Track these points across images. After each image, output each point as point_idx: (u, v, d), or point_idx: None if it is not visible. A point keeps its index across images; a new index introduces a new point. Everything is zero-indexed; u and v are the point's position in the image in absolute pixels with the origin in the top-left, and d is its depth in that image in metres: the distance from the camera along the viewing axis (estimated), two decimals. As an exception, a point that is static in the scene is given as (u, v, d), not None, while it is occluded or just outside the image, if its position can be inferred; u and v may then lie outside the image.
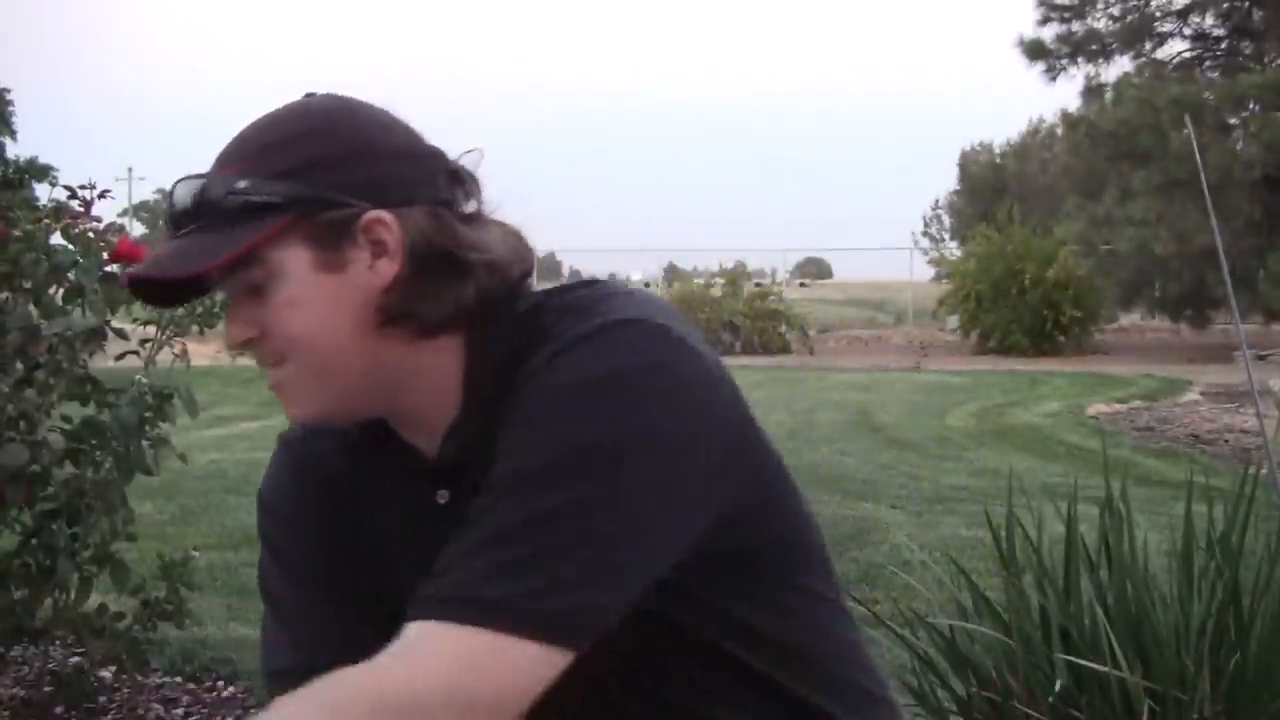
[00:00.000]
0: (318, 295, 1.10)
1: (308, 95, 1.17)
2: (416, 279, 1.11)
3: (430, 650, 0.99)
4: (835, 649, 1.23)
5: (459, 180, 1.15)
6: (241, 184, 1.09)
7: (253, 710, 3.11)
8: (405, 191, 1.12)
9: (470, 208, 1.15)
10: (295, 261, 1.10)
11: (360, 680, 0.98)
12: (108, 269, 2.68)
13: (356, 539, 1.24)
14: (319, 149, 1.11)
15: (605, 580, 1.02)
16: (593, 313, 1.10)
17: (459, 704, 0.97)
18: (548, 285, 1.20)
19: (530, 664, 0.99)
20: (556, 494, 1.02)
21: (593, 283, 1.18)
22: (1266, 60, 19.58)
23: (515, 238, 1.18)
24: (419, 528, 1.17)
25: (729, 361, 1.37)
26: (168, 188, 1.13)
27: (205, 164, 1.14)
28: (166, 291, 1.18)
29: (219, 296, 2.72)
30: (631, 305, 1.12)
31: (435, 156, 1.15)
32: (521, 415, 1.06)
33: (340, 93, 1.18)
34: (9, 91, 3.12)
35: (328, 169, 1.10)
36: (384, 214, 1.10)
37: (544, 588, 0.99)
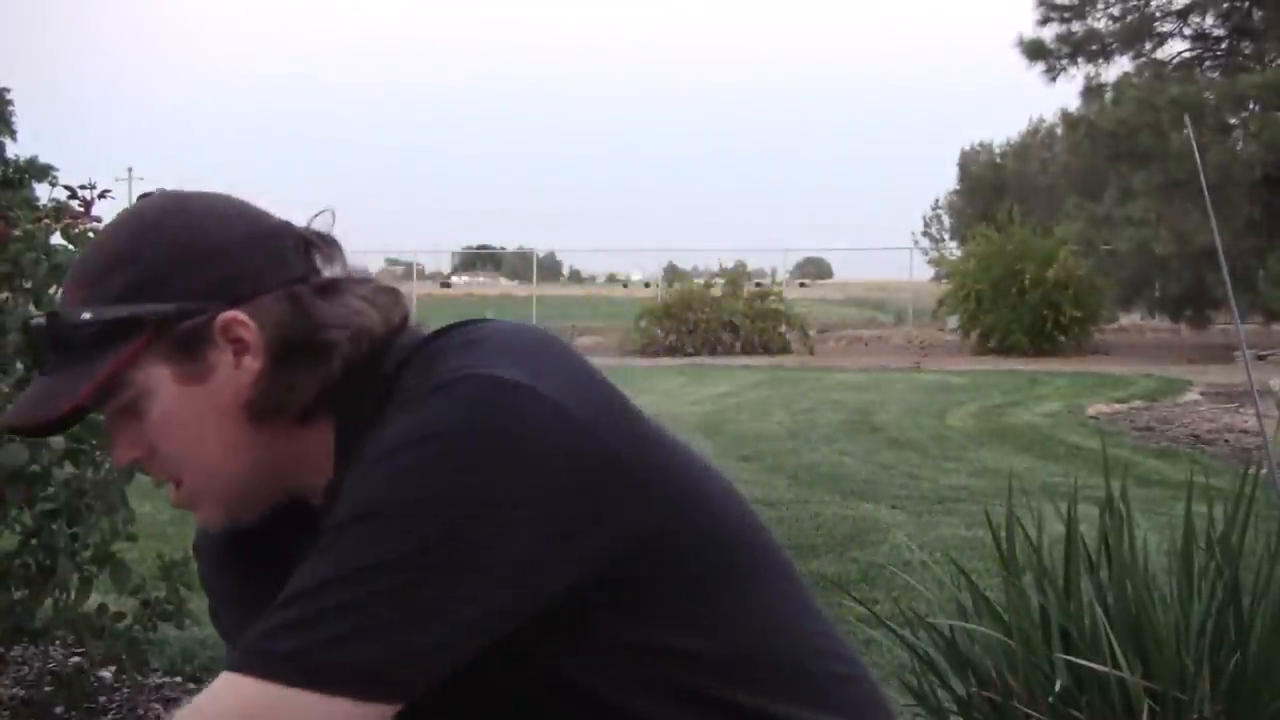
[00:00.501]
0: (188, 407, 1.10)
1: (142, 197, 1.17)
2: (280, 370, 1.10)
3: (216, 699, 1.01)
4: (796, 642, 1.18)
5: (313, 248, 1.13)
6: (85, 315, 1.08)
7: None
8: (255, 282, 1.10)
9: (331, 272, 1.13)
10: (158, 379, 1.09)
11: None
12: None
13: (283, 578, 1.20)
14: (157, 260, 1.09)
15: (399, 636, 0.99)
16: (443, 366, 1.07)
17: None
18: (430, 329, 1.16)
19: (313, 716, 0.98)
20: (357, 550, 1.00)
21: (462, 325, 1.14)
22: (1266, 60, 19.57)
23: (383, 293, 1.15)
24: None
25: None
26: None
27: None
28: (48, 427, 1.17)
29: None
30: (484, 355, 1.07)
31: (280, 233, 1.13)
32: (348, 478, 1.06)
33: (171, 189, 1.17)
34: (9, 91, 3.13)
35: (169, 279, 1.09)
36: (238, 313, 1.08)
37: (332, 640, 0.98)
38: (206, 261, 1.09)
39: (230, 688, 1.00)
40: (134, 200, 1.22)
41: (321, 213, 1.16)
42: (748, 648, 1.14)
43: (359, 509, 1.01)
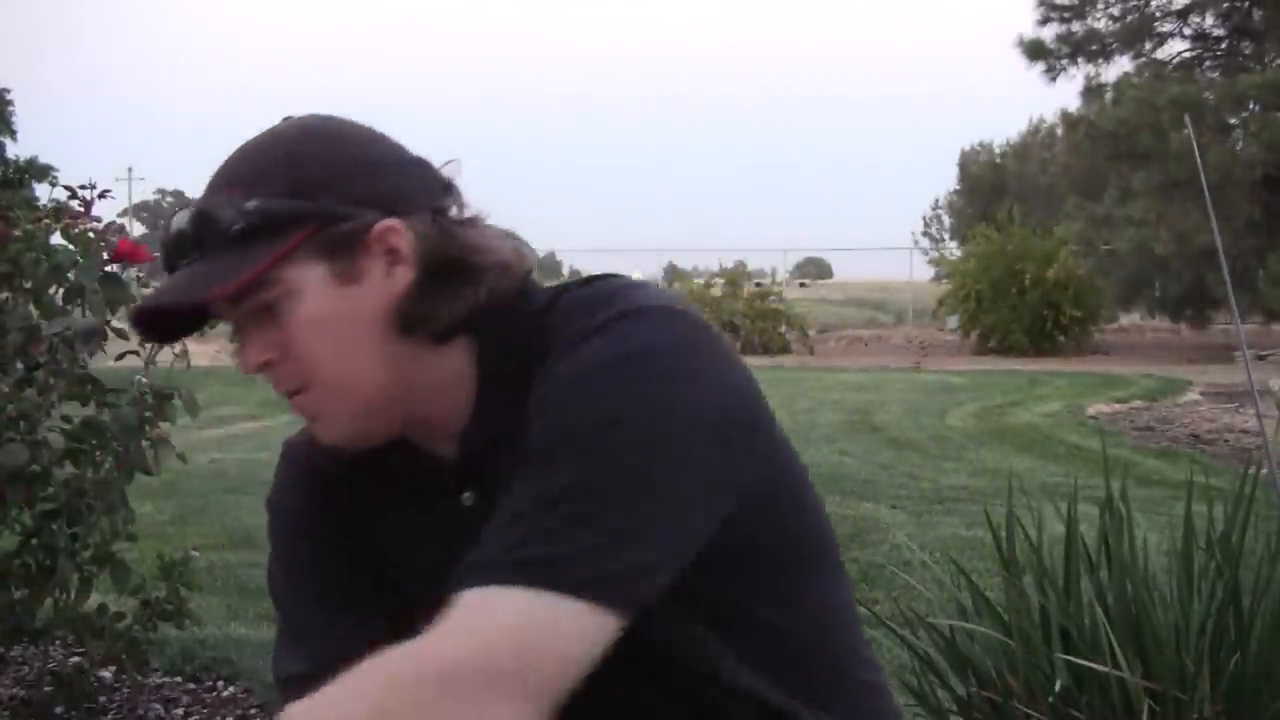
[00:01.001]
0: (338, 309, 1.09)
1: (286, 119, 1.17)
2: (430, 285, 1.11)
3: (489, 614, 0.94)
4: (842, 643, 1.23)
5: (449, 188, 1.16)
6: (250, 204, 1.08)
7: (254, 711, 3.11)
8: (407, 200, 1.11)
9: (464, 214, 1.15)
10: (311, 278, 1.08)
11: (420, 652, 0.93)
12: (108, 269, 2.67)
13: (366, 548, 1.23)
14: (318, 164, 1.11)
15: (644, 546, 0.99)
16: (610, 304, 1.10)
17: (525, 666, 0.92)
18: (554, 283, 1.20)
19: (585, 627, 0.95)
20: (588, 464, 1.00)
21: (604, 278, 1.17)
22: (1266, 60, 19.58)
23: (513, 239, 1.19)
24: (443, 531, 1.16)
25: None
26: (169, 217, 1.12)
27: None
28: (171, 324, 1.18)
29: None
30: (648, 295, 1.11)
31: (426, 164, 1.16)
32: (546, 399, 1.05)
33: (317, 112, 1.17)
34: (9, 91, 3.14)
35: (330, 183, 1.10)
36: (395, 222, 1.10)
37: (588, 550, 0.96)
38: (365, 172, 1.11)
39: (499, 600, 0.95)
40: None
41: (450, 161, 1.18)
42: (805, 636, 1.18)
43: (577, 425, 1.01)
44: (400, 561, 1.22)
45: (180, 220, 1.11)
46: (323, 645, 1.20)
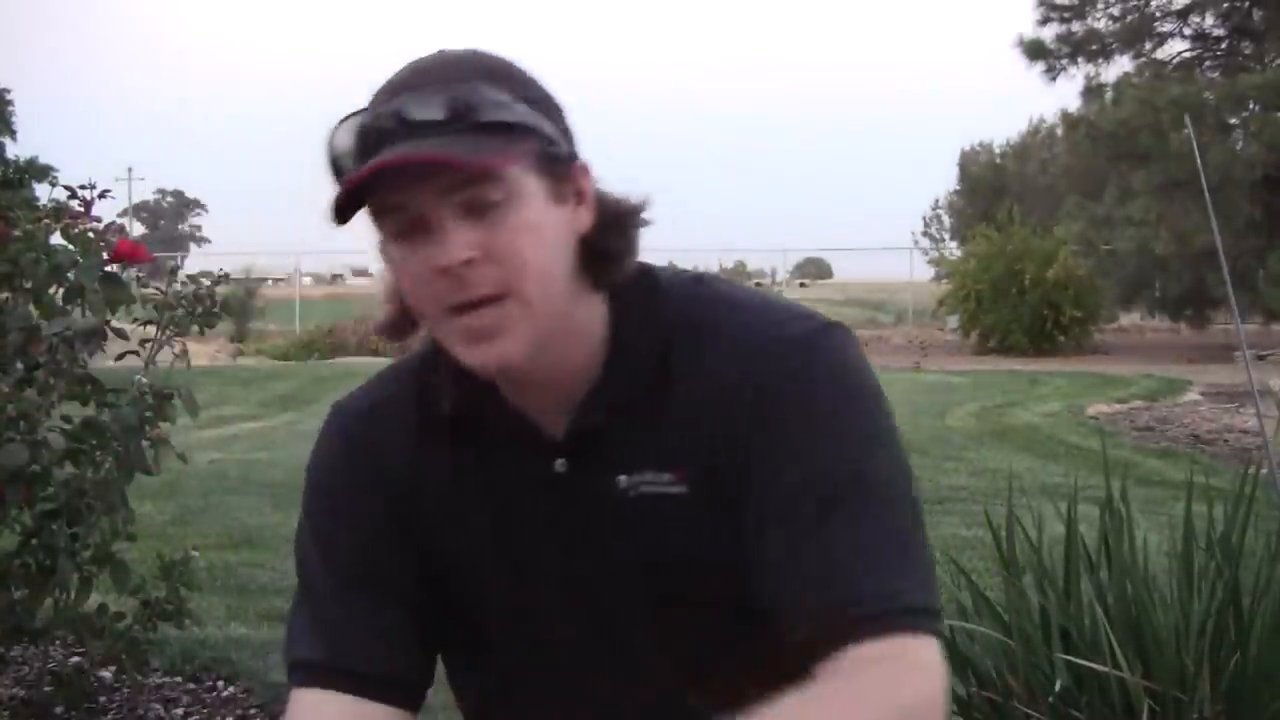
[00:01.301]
0: (553, 224, 1.09)
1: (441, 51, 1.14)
2: (605, 232, 1.13)
3: (916, 661, 1.04)
4: None
5: None
6: (504, 97, 1.07)
7: (253, 711, 3.12)
8: (578, 150, 1.14)
9: None
10: (533, 187, 1.07)
11: (870, 697, 1.02)
12: (108, 269, 2.67)
13: (413, 522, 1.21)
14: (539, 88, 1.12)
15: (933, 573, 1.12)
16: (768, 310, 1.16)
17: (938, 708, 1.04)
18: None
19: (937, 657, 1.07)
20: (897, 507, 1.11)
21: (707, 275, 1.23)
22: (1266, 60, 19.58)
23: None
24: (532, 496, 1.17)
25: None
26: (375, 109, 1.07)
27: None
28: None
29: (219, 293, 2.74)
30: (802, 307, 1.19)
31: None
32: (795, 422, 1.11)
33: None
34: (9, 92, 3.13)
35: (549, 108, 1.11)
36: (586, 163, 1.13)
37: (932, 591, 1.09)
38: (560, 108, 1.13)
39: (922, 649, 1.06)
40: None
41: None
42: None
43: (861, 471, 1.10)
44: (461, 526, 1.20)
45: (428, 98, 1.05)
46: (341, 634, 1.18)
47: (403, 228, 1.07)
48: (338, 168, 1.09)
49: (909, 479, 1.15)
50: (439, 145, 1.04)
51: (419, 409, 1.21)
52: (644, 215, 1.17)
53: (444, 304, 1.07)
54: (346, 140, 1.08)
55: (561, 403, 1.16)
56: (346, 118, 1.10)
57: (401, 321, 1.20)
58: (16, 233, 2.64)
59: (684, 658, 1.19)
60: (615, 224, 1.14)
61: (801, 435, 1.10)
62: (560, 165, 1.10)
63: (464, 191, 1.05)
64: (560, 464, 1.16)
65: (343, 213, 1.07)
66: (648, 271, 1.19)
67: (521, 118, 1.07)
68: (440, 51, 1.12)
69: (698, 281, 1.21)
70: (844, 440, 1.10)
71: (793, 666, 1.10)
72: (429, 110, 1.05)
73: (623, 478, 1.15)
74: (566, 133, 1.12)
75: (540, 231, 1.08)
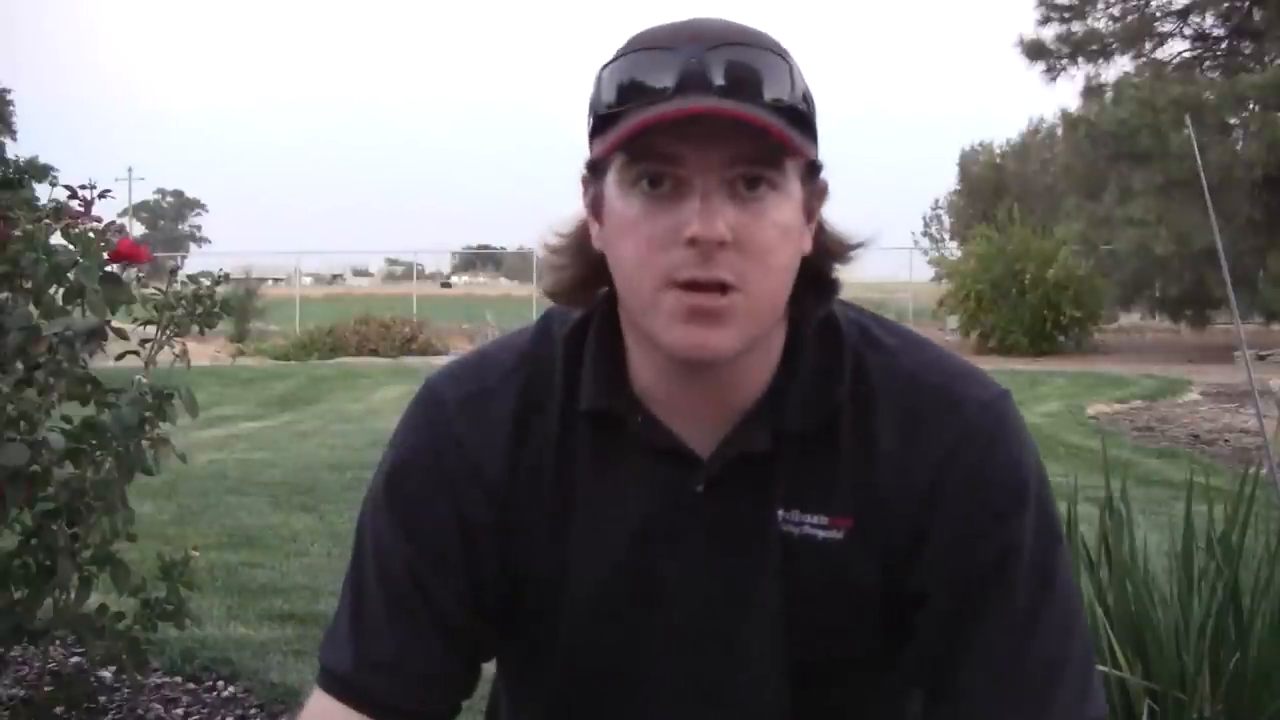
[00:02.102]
0: (797, 233, 1.06)
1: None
2: (823, 258, 1.11)
3: None
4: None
5: None
6: (806, 90, 1.05)
7: (254, 711, 3.12)
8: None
9: None
10: (796, 190, 1.04)
11: None
12: (108, 269, 2.67)
13: (494, 523, 1.14)
14: (811, 95, 1.07)
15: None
16: (945, 369, 1.14)
17: None
18: None
19: None
20: (1068, 612, 1.11)
21: (874, 317, 1.19)
22: (1266, 60, 19.57)
23: None
24: (662, 515, 1.11)
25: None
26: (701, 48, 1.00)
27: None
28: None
29: (219, 293, 2.74)
30: (962, 364, 1.16)
31: None
32: (975, 504, 1.09)
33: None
34: (9, 92, 3.14)
35: (815, 119, 1.07)
36: (826, 183, 1.09)
37: (1093, 694, 1.11)
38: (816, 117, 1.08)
39: None
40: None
41: None
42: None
43: (1037, 559, 1.09)
44: (563, 538, 1.14)
45: (771, 68, 1.01)
46: (375, 651, 1.13)
47: (655, 182, 1.00)
48: (628, 92, 1.01)
49: (1070, 568, 1.15)
50: (757, 112, 0.98)
51: (527, 401, 1.14)
52: (856, 252, 1.13)
53: (674, 275, 1.00)
54: (652, 71, 1.00)
55: (715, 420, 1.10)
56: (654, 48, 1.02)
57: (584, 282, 1.12)
58: (16, 233, 2.64)
59: (810, 707, 1.15)
60: (833, 255, 1.11)
61: (991, 532, 1.09)
62: (816, 177, 1.07)
63: (749, 168, 1.00)
64: (701, 485, 1.10)
65: (604, 143, 1.01)
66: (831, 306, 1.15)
67: (812, 117, 1.05)
68: (734, 22, 1.05)
69: (871, 325, 1.17)
70: (1030, 537, 1.09)
71: None
72: (746, 73, 1.00)
73: (781, 512, 1.10)
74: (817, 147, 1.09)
75: (789, 236, 1.03)
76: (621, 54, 1.04)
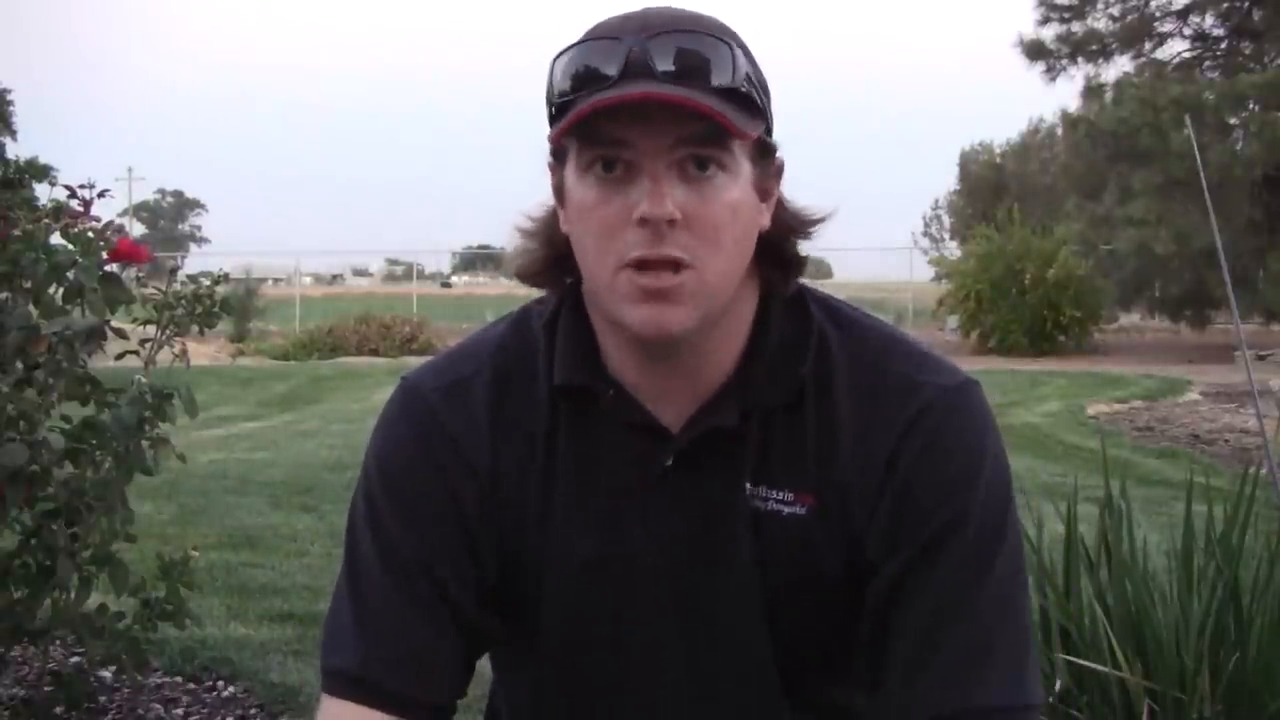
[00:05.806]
0: (749, 211, 1.08)
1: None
2: (782, 235, 1.13)
3: None
4: None
5: None
6: (751, 72, 1.07)
7: (254, 711, 3.12)
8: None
9: None
10: (746, 169, 1.07)
11: None
12: (107, 269, 2.67)
13: (489, 510, 1.15)
14: (764, 76, 1.10)
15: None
16: (912, 357, 1.15)
17: None
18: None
19: None
20: (1018, 593, 1.11)
21: (842, 302, 1.20)
22: (1266, 60, 19.58)
23: None
24: (636, 490, 1.13)
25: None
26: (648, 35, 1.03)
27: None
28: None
29: (218, 293, 2.74)
30: (930, 350, 1.18)
31: None
32: (927, 471, 1.10)
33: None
34: (9, 92, 3.13)
35: (768, 99, 1.10)
36: (782, 161, 1.12)
37: (1026, 682, 1.10)
38: (769, 94, 1.11)
39: None
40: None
41: None
42: None
43: (989, 548, 1.10)
44: (545, 516, 1.15)
45: (709, 52, 1.04)
46: (384, 641, 1.13)
47: (608, 166, 1.04)
48: (578, 80, 1.05)
49: (1024, 559, 1.15)
50: (700, 96, 1.01)
51: (505, 389, 1.16)
52: (817, 228, 1.15)
53: (627, 255, 1.04)
54: (599, 59, 1.04)
55: (687, 397, 1.13)
56: (601, 38, 1.06)
57: (550, 265, 1.16)
58: (16, 232, 2.64)
59: (795, 684, 1.16)
60: (794, 231, 1.13)
61: (938, 505, 1.09)
62: (768, 156, 1.10)
63: (695, 149, 1.03)
64: (671, 460, 1.12)
65: (556, 128, 1.04)
66: (799, 287, 1.17)
67: (759, 98, 1.07)
68: (685, 9, 1.09)
69: (841, 306, 1.19)
70: (976, 515, 1.10)
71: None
72: (690, 59, 1.03)
73: (749, 486, 1.12)
74: (771, 126, 1.11)
75: (739, 214, 1.07)
76: (573, 44, 1.08)
